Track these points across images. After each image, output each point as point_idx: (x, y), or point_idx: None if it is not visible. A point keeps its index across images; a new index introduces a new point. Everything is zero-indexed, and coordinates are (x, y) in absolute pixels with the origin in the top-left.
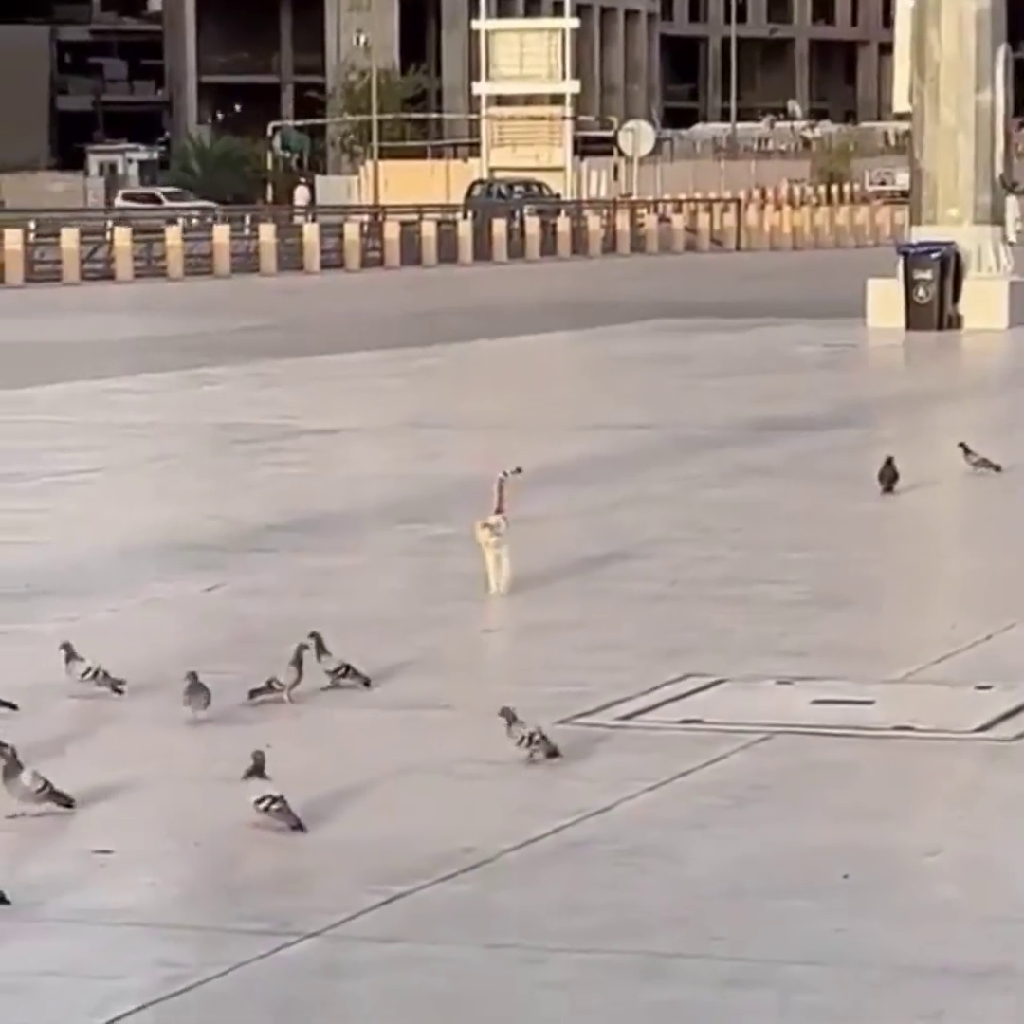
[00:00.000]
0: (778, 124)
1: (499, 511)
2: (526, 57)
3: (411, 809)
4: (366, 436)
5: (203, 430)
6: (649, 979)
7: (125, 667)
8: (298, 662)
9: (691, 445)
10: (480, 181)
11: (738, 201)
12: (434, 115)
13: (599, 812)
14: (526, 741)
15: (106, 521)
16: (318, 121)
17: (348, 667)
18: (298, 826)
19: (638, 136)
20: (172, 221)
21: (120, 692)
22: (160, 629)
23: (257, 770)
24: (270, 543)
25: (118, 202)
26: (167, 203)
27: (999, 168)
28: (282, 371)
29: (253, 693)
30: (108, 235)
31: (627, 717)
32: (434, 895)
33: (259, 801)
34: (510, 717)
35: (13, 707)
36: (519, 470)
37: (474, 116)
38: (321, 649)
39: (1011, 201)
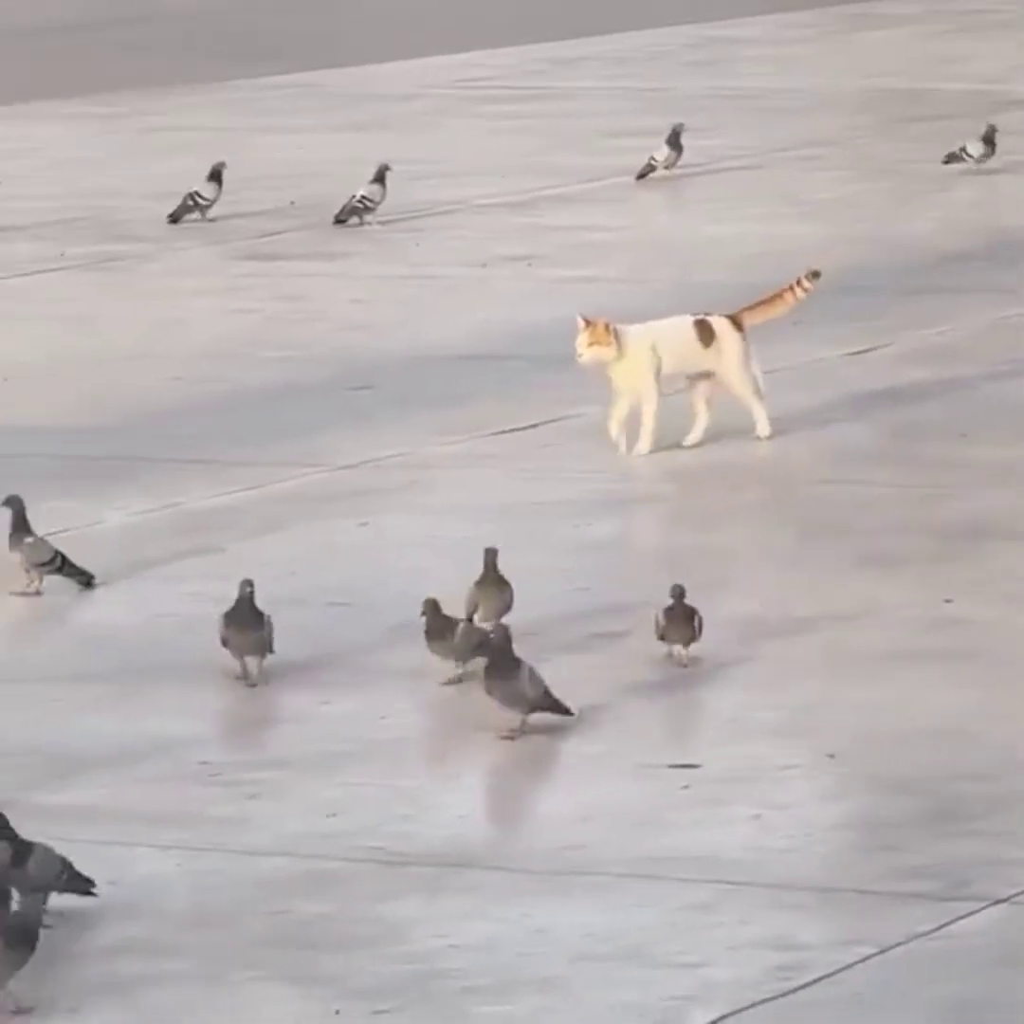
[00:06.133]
0: None
1: (738, 318)
2: None
3: None
4: None
5: (857, 100)
6: None
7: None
8: None
9: None
10: None
11: None
12: None
13: None
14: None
15: (683, 247)
16: None
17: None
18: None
19: None
20: None
21: None
22: None
23: None
24: (952, 281)
25: None
26: None
27: None
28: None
29: None
30: None
31: None
32: None
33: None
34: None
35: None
36: (817, 274)
37: None
38: None
39: None
